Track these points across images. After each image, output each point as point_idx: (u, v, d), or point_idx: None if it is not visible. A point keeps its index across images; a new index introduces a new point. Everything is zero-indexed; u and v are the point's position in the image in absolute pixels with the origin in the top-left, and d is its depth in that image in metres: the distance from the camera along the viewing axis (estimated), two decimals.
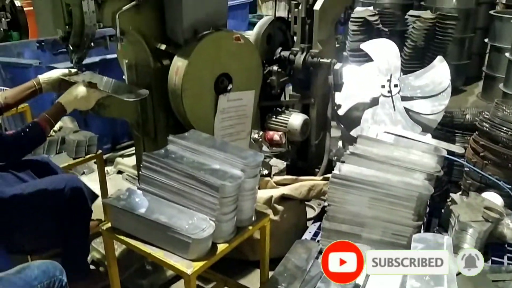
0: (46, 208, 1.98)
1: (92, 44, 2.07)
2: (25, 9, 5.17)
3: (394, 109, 3.12)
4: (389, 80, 3.17)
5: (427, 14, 5.08)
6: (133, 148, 4.00)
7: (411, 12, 5.32)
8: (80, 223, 2.15)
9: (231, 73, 2.41)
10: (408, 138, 2.72)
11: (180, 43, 2.27)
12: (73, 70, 2.24)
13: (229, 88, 2.42)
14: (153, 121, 2.43)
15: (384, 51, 3.28)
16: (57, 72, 2.20)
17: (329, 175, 2.78)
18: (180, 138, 2.12)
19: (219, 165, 1.96)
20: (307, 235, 2.62)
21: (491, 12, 5.49)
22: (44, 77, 2.19)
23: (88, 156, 2.64)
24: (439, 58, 3.17)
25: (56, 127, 2.77)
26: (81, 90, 2.05)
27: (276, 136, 3.15)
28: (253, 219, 2.03)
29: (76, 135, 2.68)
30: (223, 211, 1.84)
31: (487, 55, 5.80)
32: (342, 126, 3.38)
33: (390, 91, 3.15)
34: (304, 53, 3.07)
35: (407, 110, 3.12)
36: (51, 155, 2.60)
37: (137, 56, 2.38)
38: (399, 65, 3.23)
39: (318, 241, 2.50)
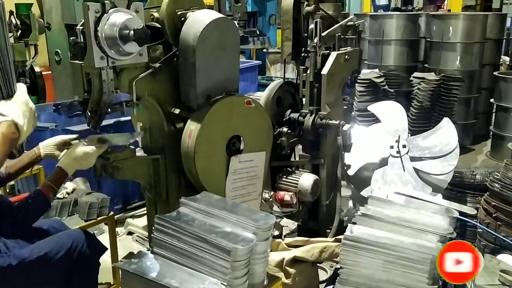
0: (54, 267, 1.97)
1: (109, 110, 2.14)
2: (43, 73, 5.40)
3: (404, 170, 3.14)
4: (397, 141, 3.21)
5: (431, 76, 5.21)
6: (144, 208, 4.03)
7: (415, 74, 5.45)
8: (89, 278, 2.13)
9: (243, 136, 2.47)
10: (418, 199, 2.73)
11: (193, 107, 2.34)
12: (73, 136, 2.29)
13: (240, 149, 2.47)
14: (165, 183, 2.46)
15: (392, 113, 3.35)
16: (56, 138, 2.25)
17: (341, 236, 2.76)
18: (192, 200, 2.15)
19: (230, 228, 1.96)
20: None
21: (495, 73, 5.61)
22: (43, 143, 2.24)
23: (99, 218, 2.66)
24: (446, 119, 3.23)
25: (70, 189, 2.81)
26: (78, 150, 2.05)
27: (287, 196, 3.16)
28: (265, 283, 2.01)
29: (88, 197, 2.71)
30: (235, 275, 1.83)
31: (494, 114, 5.86)
32: (352, 186, 3.39)
33: (399, 152, 3.19)
34: (313, 115, 3.15)
35: (416, 171, 3.14)
36: (63, 217, 2.63)
37: (151, 119, 2.46)
38: (407, 126, 3.29)
39: None
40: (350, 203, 3.46)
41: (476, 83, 5.88)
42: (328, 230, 3.34)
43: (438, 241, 2.31)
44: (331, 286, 2.68)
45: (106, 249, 2.30)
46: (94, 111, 2.11)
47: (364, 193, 3.33)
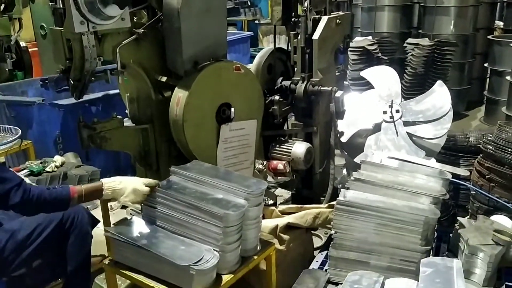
0: (47, 238, 1.94)
1: (92, 78, 2.08)
2: (30, 49, 5.28)
3: (397, 135, 3.10)
4: (390, 106, 3.17)
5: (425, 41, 5.13)
6: None
7: (409, 40, 5.37)
8: (81, 248, 2.10)
9: (233, 103, 2.42)
10: (412, 162, 2.70)
11: (180, 74, 2.29)
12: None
13: (231, 117, 2.42)
14: (155, 153, 2.42)
15: (384, 78, 3.30)
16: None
17: (334, 202, 2.75)
18: (182, 168, 2.12)
19: (222, 195, 1.94)
20: (314, 265, 2.56)
21: (489, 37, 5.55)
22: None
23: None
24: (439, 82, 3.18)
25: (59, 163, 2.77)
26: (133, 190, 1.89)
27: (280, 165, 3.13)
28: (258, 248, 1.99)
29: (78, 170, 2.67)
30: (227, 241, 1.81)
31: (488, 79, 5.82)
32: (346, 153, 3.36)
33: (392, 117, 3.15)
34: (305, 82, 3.09)
35: (410, 135, 3.10)
36: None
37: (138, 89, 2.40)
38: (400, 91, 3.24)
39: (326, 270, 2.44)
40: (344, 171, 3.44)
41: (470, 48, 5.82)
42: (322, 198, 3.33)
43: (431, 203, 2.30)
44: (325, 252, 2.68)
45: (99, 221, 2.26)
46: (77, 79, 2.04)
47: (358, 159, 3.29)
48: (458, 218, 2.63)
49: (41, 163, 2.80)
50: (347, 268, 2.38)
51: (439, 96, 3.11)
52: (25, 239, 1.93)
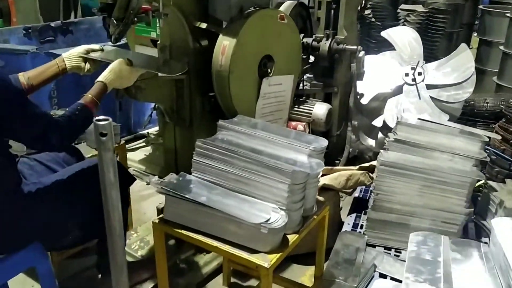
0: (88, 191, 1.75)
1: (135, 19, 1.86)
2: None
3: (419, 98, 3.06)
4: (414, 68, 3.11)
5: (420, 8, 5.11)
6: (136, 142, 3.78)
7: (403, 6, 5.33)
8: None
9: (274, 55, 2.26)
10: (442, 125, 2.66)
11: (225, 20, 2.10)
12: (97, 47, 2.02)
13: (271, 71, 2.27)
14: (189, 107, 2.24)
15: (406, 39, 3.22)
16: (81, 48, 1.98)
17: (366, 164, 2.69)
18: (231, 123, 1.96)
19: (282, 151, 1.81)
20: (347, 227, 2.51)
21: (481, 6, 5.59)
22: (67, 54, 1.96)
23: None
24: (463, 45, 3.15)
25: None
26: (124, 68, 1.85)
27: (300, 126, 3.01)
28: (315, 209, 1.90)
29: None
30: (294, 199, 1.70)
31: (476, 49, 5.89)
32: (364, 116, 3.30)
33: (414, 79, 3.09)
34: (330, 40, 2.96)
35: (432, 99, 3.07)
36: None
37: (172, 35, 2.19)
38: (422, 53, 3.18)
39: (362, 232, 2.40)
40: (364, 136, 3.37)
41: (460, 18, 5.85)
42: (337, 161, 3.27)
43: (472, 165, 2.27)
44: (354, 214, 2.64)
45: (135, 179, 2.09)
46: (120, 19, 1.82)
47: (376, 123, 3.25)
48: (487, 181, 2.64)
49: None
50: (385, 230, 2.35)
51: (463, 59, 3.08)
52: (67, 186, 1.75)
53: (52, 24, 4.22)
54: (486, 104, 3.15)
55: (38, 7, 4.51)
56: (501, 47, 4.95)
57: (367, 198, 2.77)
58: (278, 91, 2.35)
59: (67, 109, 1.69)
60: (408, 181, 2.24)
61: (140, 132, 4.01)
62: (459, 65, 3.06)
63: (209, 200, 1.68)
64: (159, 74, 2.03)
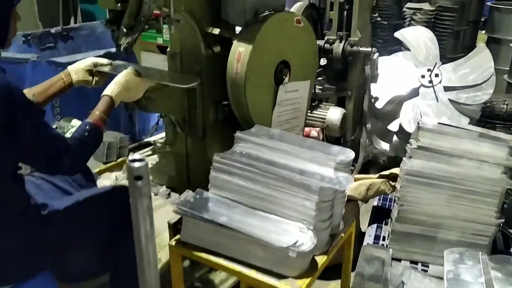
0: (102, 220, 1.64)
1: (146, 26, 1.74)
2: None
3: (437, 100, 2.93)
4: (430, 70, 2.98)
5: (427, 6, 5.01)
6: (143, 151, 3.65)
7: (409, 4, 5.23)
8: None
9: (290, 61, 2.14)
10: (464, 129, 2.54)
11: (239, 25, 1.97)
12: (105, 61, 1.89)
13: (287, 77, 2.15)
14: (202, 117, 2.12)
15: (421, 40, 3.10)
16: (88, 61, 1.85)
17: (386, 172, 2.57)
18: (248, 134, 1.84)
19: (306, 165, 1.69)
20: (368, 240, 2.38)
21: (489, 3, 5.49)
22: (74, 68, 1.83)
23: (120, 159, 2.29)
24: (481, 44, 3.02)
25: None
26: (131, 79, 1.73)
27: (313, 132, 2.90)
28: (341, 225, 1.78)
29: (105, 136, 2.31)
30: (322, 218, 1.58)
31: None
32: (379, 120, 3.18)
33: (431, 81, 2.97)
34: (343, 42, 2.84)
35: (450, 101, 2.94)
36: None
37: (183, 42, 2.06)
38: (438, 54, 3.05)
39: (386, 245, 2.28)
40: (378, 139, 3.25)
41: (466, 15, 5.73)
42: (352, 167, 3.14)
43: (502, 173, 2.15)
44: (375, 225, 2.51)
45: None
46: (130, 27, 1.69)
47: (392, 127, 3.12)
48: None
49: (56, 128, 2.41)
50: (411, 244, 2.23)
51: (481, 60, 2.96)
52: (80, 211, 1.63)
53: (52, 30, 4.10)
54: (506, 106, 3.03)
55: (37, 13, 4.37)
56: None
57: (387, 207, 2.65)
58: (294, 98, 2.22)
59: (76, 129, 1.57)
60: (435, 191, 2.11)
61: (145, 140, 3.89)
62: (478, 66, 2.94)
63: (230, 220, 1.56)
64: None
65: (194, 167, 2.25)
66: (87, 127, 1.56)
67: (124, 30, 1.69)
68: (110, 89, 1.67)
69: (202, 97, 2.09)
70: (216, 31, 2.02)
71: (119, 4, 1.67)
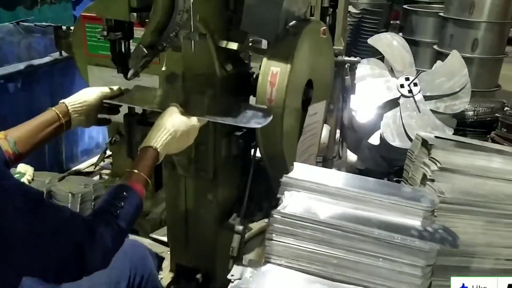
0: None
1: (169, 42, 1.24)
2: None
3: (419, 111, 2.80)
4: (408, 79, 2.84)
5: (352, 8, 5.00)
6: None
7: None
8: None
9: (314, 79, 1.78)
10: (465, 143, 2.42)
11: (270, 40, 1.56)
12: (116, 88, 1.37)
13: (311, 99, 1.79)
14: (213, 153, 1.66)
15: (395, 46, 2.94)
16: (94, 94, 1.31)
17: None
18: (297, 178, 1.44)
19: (391, 216, 1.35)
20: None
21: (405, 6, 5.67)
22: (73, 102, 1.27)
23: None
24: (454, 52, 2.95)
25: (30, 174, 1.76)
26: (181, 122, 1.25)
27: None
28: None
29: (67, 184, 1.74)
30: (425, 285, 1.26)
31: None
32: (354, 132, 2.96)
33: (411, 91, 2.82)
34: None
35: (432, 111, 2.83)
36: None
37: (188, 60, 1.59)
38: (413, 61, 2.92)
39: None
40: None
41: (384, 18, 5.87)
42: None
43: None
44: None
45: (163, 258, 1.49)
46: (152, 45, 1.18)
47: (372, 140, 2.93)
48: None
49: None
50: (446, 276, 2.03)
51: (456, 66, 2.88)
52: None
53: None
54: (475, 112, 3.00)
55: None
56: (435, 47, 5.02)
57: None
58: (313, 122, 1.87)
59: (105, 196, 1.04)
60: (471, 218, 1.94)
61: (73, 169, 3.27)
62: (453, 73, 2.86)
63: None
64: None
65: (196, 219, 1.78)
66: (124, 193, 1.04)
67: (145, 50, 1.17)
68: (154, 139, 1.16)
69: (215, 129, 1.63)
70: (234, 45, 1.57)
71: (135, 15, 1.14)
